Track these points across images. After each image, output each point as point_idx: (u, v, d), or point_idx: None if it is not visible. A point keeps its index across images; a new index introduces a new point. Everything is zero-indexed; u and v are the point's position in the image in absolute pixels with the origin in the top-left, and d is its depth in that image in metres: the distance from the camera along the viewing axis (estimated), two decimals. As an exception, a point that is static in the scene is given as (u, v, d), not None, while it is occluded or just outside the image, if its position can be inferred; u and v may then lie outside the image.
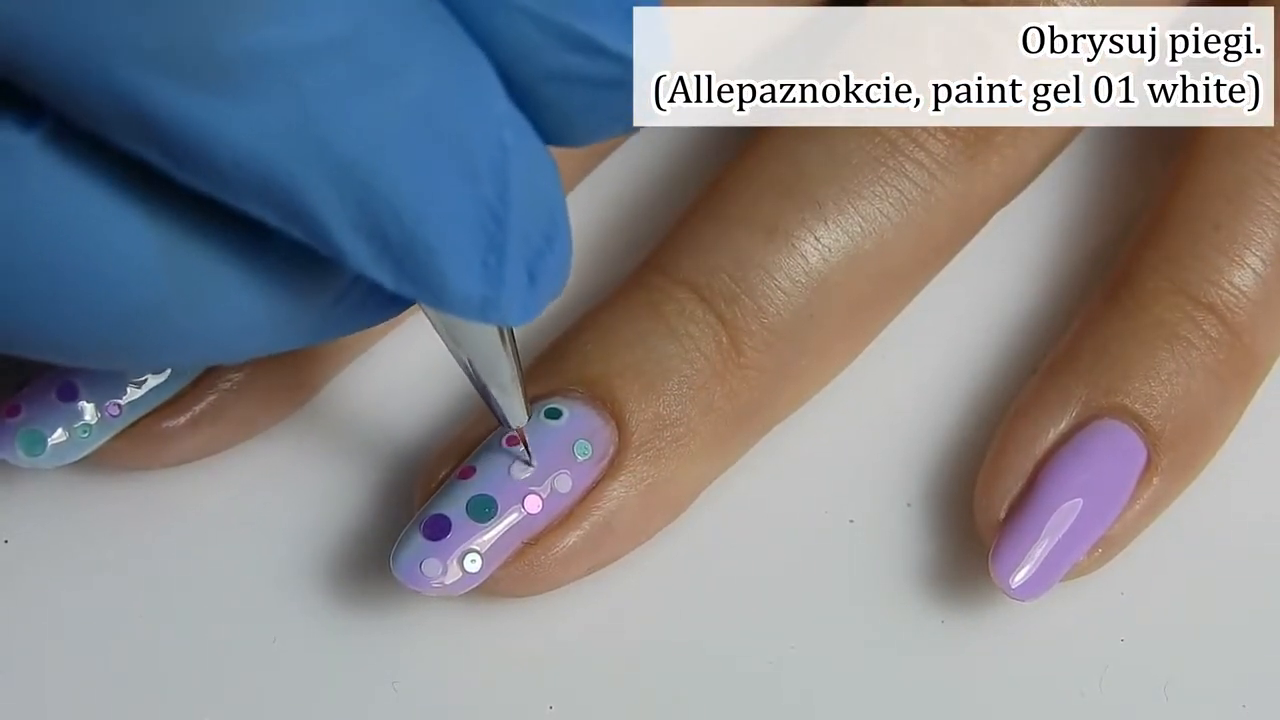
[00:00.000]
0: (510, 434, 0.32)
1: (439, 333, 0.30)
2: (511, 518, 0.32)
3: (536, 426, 0.32)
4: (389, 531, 0.34)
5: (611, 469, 0.32)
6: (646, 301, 0.33)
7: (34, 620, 0.34)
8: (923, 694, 0.33)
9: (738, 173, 0.34)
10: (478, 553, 0.31)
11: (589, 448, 0.32)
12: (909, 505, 0.35)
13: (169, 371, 0.33)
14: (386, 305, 0.28)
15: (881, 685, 0.33)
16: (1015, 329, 0.37)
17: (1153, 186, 0.36)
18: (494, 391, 0.31)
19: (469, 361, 0.30)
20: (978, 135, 0.34)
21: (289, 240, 0.25)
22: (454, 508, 0.32)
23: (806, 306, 0.33)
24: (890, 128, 0.34)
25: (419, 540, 0.31)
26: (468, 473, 0.32)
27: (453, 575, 0.31)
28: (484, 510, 0.32)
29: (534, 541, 0.32)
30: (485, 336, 0.30)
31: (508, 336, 0.30)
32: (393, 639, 0.33)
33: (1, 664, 0.33)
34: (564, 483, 0.32)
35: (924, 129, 0.34)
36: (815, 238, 0.33)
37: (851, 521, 0.35)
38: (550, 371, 0.33)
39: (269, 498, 0.35)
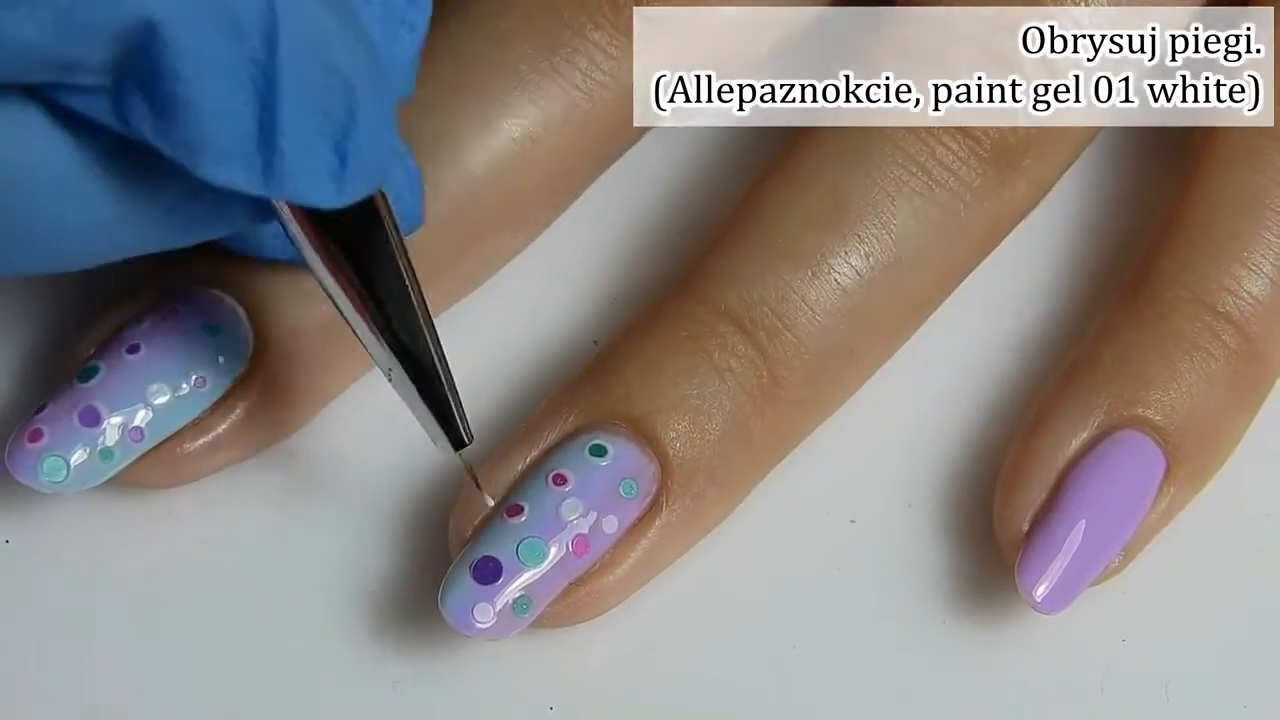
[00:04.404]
0: (557, 471, 0.32)
1: (360, 340, 0.30)
2: (560, 560, 0.32)
3: (582, 463, 0.32)
4: (389, 535, 0.35)
5: (654, 506, 0.33)
6: (690, 335, 0.33)
7: (33, 621, 0.34)
8: (924, 694, 0.34)
9: (776, 202, 0.34)
10: (528, 597, 0.31)
11: (634, 487, 0.32)
12: (909, 506, 0.35)
13: (189, 390, 0.33)
14: (232, 211, 0.29)
15: (882, 685, 0.34)
16: (1015, 331, 0.37)
17: (1160, 191, 0.37)
18: (416, 411, 0.31)
19: (389, 371, 0.30)
20: (1007, 161, 0.34)
21: (112, 135, 0.26)
22: (504, 549, 0.32)
23: (846, 341, 0.34)
24: (925, 156, 0.34)
25: (469, 583, 0.31)
26: (515, 511, 0.32)
27: (503, 619, 0.31)
28: (535, 553, 0.32)
29: (580, 582, 0.32)
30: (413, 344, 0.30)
31: (430, 353, 0.30)
32: (393, 639, 0.34)
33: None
34: (611, 523, 0.32)
35: (957, 157, 0.34)
36: (857, 273, 0.34)
37: (852, 522, 0.35)
38: (593, 403, 0.33)
39: (271, 504, 0.35)
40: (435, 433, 0.31)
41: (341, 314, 0.30)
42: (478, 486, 0.32)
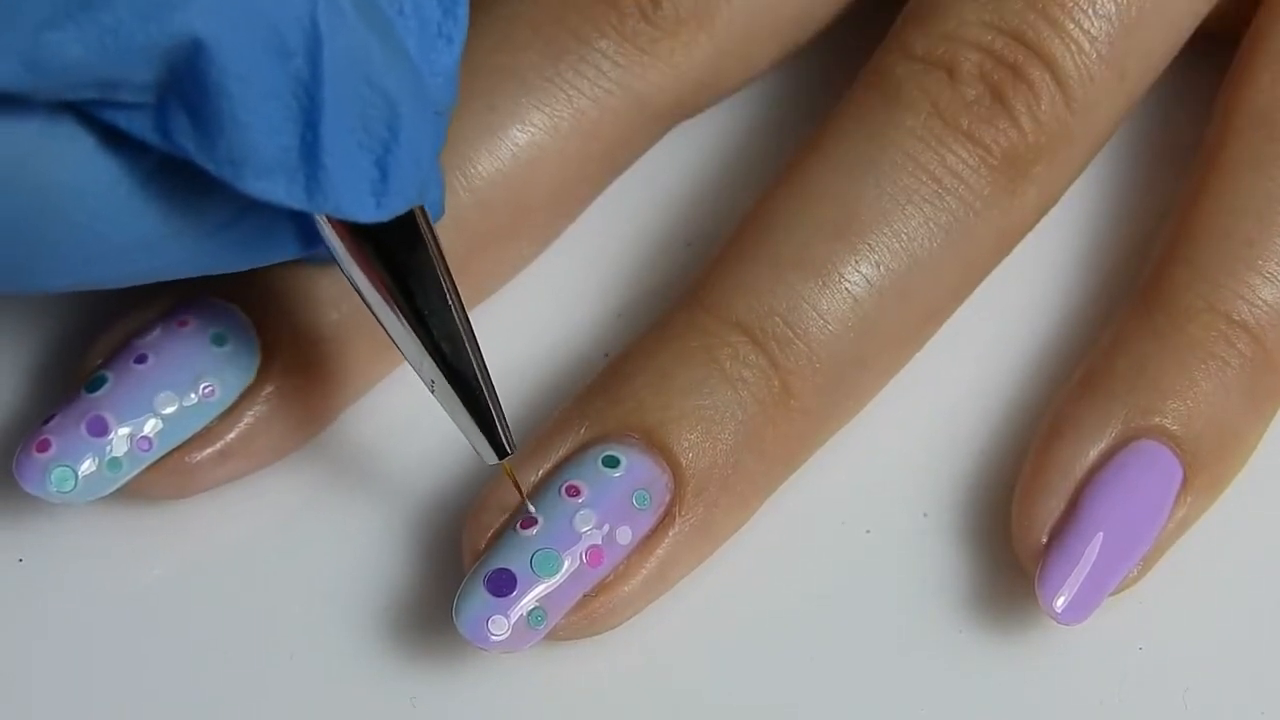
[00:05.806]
0: (570, 483, 0.32)
1: (404, 354, 0.30)
2: (574, 571, 0.32)
3: (595, 474, 0.32)
4: (403, 547, 0.34)
5: (668, 517, 0.33)
6: (701, 345, 0.33)
7: (41, 634, 0.34)
8: (941, 704, 0.33)
9: (786, 212, 0.34)
10: (543, 609, 0.31)
11: (647, 498, 0.32)
12: (925, 515, 0.35)
13: (197, 400, 0.33)
14: (280, 236, 0.29)
15: (900, 696, 0.34)
16: (1028, 339, 0.37)
17: (1171, 199, 0.37)
18: (460, 421, 0.31)
19: (432, 383, 0.30)
20: (1018, 169, 0.34)
21: (158, 154, 0.27)
22: (518, 561, 0.32)
23: (857, 350, 0.34)
24: (936, 165, 0.34)
25: (483, 595, 0.31)
26: (529, 523, 0.32)
27: (518, 631, 0.31)
28: (549, 565, 0.31)
29: (594, 594, 0.32)
30: (451, 353, 0.30)
31: (472, 365, 0.30)
32: (408, 653, 0.33)
33: (12, 682, 0.33)
34: (625, 534, 0.32)
35: (967, 165, 0.34)
36: (868, 282, 0.34)
37: (868, 532, 0.35)
38: (605, 414, 0.33)
39: (283, 517, 0.35)
40: (479, 442, 0.31)
41: (383, 326, 0.30)
42: (521, 495, 0.32)
